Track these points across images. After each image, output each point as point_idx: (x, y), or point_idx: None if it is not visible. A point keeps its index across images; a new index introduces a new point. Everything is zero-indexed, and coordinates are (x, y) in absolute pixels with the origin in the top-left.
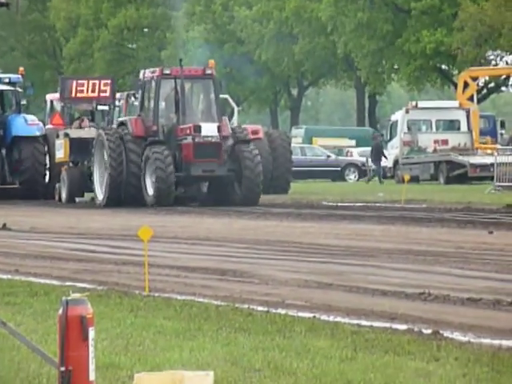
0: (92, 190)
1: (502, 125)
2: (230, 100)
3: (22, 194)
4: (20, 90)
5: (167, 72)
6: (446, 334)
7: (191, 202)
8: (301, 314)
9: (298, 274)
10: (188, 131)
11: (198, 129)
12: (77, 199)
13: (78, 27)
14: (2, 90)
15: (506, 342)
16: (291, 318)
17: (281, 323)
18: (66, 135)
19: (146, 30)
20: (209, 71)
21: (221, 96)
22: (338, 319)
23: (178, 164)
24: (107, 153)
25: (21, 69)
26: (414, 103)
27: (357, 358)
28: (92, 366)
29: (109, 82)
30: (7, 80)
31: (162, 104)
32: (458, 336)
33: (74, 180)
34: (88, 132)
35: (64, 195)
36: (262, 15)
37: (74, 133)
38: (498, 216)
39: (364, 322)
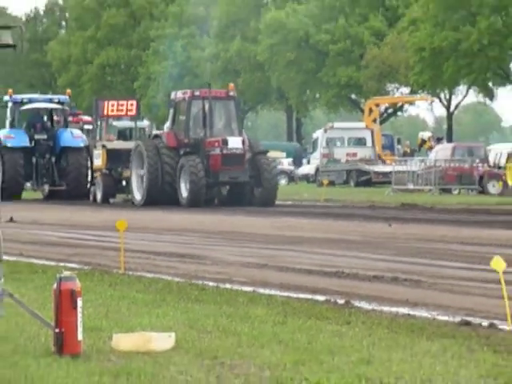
0: (122, 192)
1: (398, 141)
2: None
3: (68, 195)
4: (67, 108)
5: (197, 94)
6: (356, 303)
7: (210, 203)
8: (243, 288)
9: (242, 257)
10: (216, 144)
11: (225, 142)
12: (111, 200)
13: (69, 64)
14: (52, 109)
15: (401, 310)
16: (236, 291)
17: (227, 295)
18: (104, 146)
19: (122, 66)
20: (231, 93)
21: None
22: (272, 292)
23: (206, 171)
24: (145, 161)
25: (68, 91)
26: (331, 124)
27: (287, 322)
28: (80, 329)
29: (134, 102)
30: (57, 100)
31: (191, 120)
32: (364, 305)
33: (107, 184)
34: (121, 144)
35: (99, 196)
36: (213, 56)
37: (110, 145)
38: (395, 212)
39: (292, 295)
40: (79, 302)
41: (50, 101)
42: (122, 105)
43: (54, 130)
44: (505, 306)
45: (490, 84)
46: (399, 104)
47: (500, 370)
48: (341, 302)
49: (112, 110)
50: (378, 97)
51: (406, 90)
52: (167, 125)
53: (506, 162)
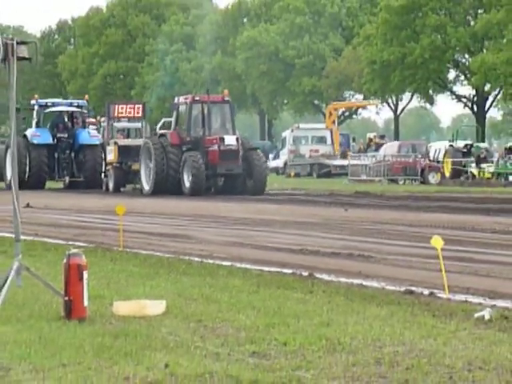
0: (131, 183)
1: (354, 140)
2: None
3: (85, 185)
4: (85, 111)
5: (197, 98)
6: (318, 275)
7: (207, 192)
8: (223, 263)
9: (222, 236)
10: (214, 141)
11: (222, 140)
12: (121, 189)
13: (76, 75)
14: (73, 111)
15: (355, 281)
16: (217, 266)
17: (210, 269)
18: (116, 143)
19: (121, 76)
20: (226, 98)
21: (168, 119)
22: (248, 266)
23: (206, 165)
24: (153, 156)
25: (86, 96)
26: (297, 125)
27: (259, 291)
28: (85, 297)
29: (141, 106)
30: (76, 104)
31: (192, 121)
32: (325, 277)
33: (118, 175)
34: (130, 141)
35: (111, 186)
36: (197, 67)
37: (121, 142)
38: (350, 199)
39: (265, 268)
40: (85, 275)
41: (71, 105)
42: (131, 108)
43: (73, 130)
44: (442, 277)
45: (431, 91)
46: (354, 108)
47: (438, 332)
48: (305, 274)
49: (122, 113)
50: (337, 102)
51: (360, 96)
52: (159, 125)
53: (444, 157)
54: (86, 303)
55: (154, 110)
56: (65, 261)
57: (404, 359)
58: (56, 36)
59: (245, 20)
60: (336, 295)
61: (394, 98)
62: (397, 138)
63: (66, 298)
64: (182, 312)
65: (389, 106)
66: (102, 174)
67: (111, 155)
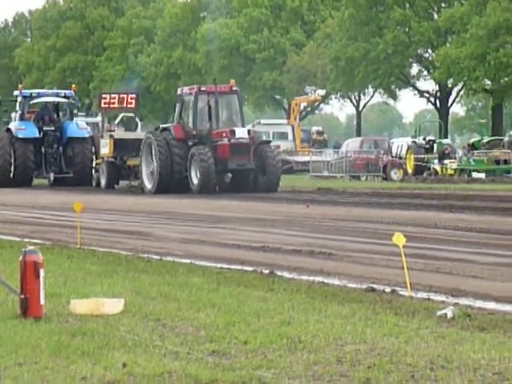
0: (125, 179)
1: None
2: (136, 117)
3: (74, 181)
4: (73, 102)
5: (203, 89)
6: (279, 273)
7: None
8: (182, 261)
9: (181, 233)
10: (224, 134)
11: (232, 132)
12: (115, 186)
13: (33, 68)
14: (59, 102)
15: (317, 278)
16: (176, 263)
17: (169, 266)
18: (111, 136)
19: (79, 70)
20: (234, 88)
21: (128, 114)
22: (208, 264)
23: (214, 160)
24: (156, 152)
25: (73, 86)
26: (258, 120)
27: (219, 289)
28: (42, 295)
29: (134, 96)
30: (63, 94)
31: (199, 113)
32: (286, 274)
33: (112, 171)
34: (127, 134)
35: (103, 183)
36: (157, 61)
37: (117, 135)
38: (312, 195)
39: (225, 265)
40: (41, 272)
41: (57, 95)
42: (123, 98)
43: (60, 122)
44: (404, 275)
45: (393, 87)
46: (316, 103)
47: (400, 330)
48: (266, 271)
49: (114, 103)
50: (298, 97)
51: (322, 91)
52: (118, 120)
53: (406, 153)
54: (42, 301)
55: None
56: (21, 258)
57: (366, 358)
58: (12, 29)
59: (205, 13)
60: (297, 293)
61: (356, 94)
62: (359, 133)
63: (22, 296)
64: (140, 310)
65: (351, 101)
66: (93, 170)
67: (106, 149)
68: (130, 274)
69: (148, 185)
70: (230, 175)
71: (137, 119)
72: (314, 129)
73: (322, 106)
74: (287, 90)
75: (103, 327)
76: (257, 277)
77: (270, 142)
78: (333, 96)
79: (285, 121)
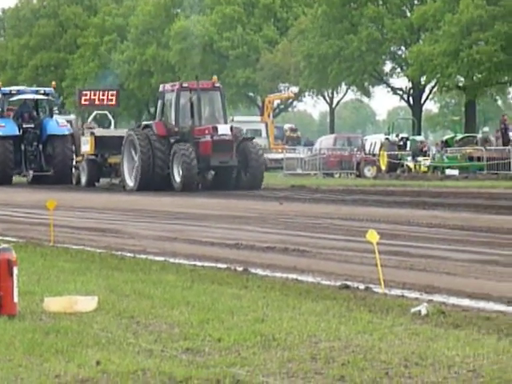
0: (106, 177)
1: (287, 131)
2: (109, 115)
3: (54, 180)
4: (52, 99)
5: (185, 85)
6: (252, 270)
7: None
8: (156, 258)
9: (154, 231)
10: (206, 131)
11: (215, 129)
12: (96, 184)
13: (6, 67)
14: (37, 99)
15: (291, 276)
16: (149, 261)
17: (142, 264)
18: (92, 134)
19: (52, 68)
20: (217, 84)
21: (101, 112)
22: (181, 261)
23: (197, 157)
24: (137, 149)
25: (53, 83)
26: (231, 118)
27: (193, 286)
28: (16, 293)
29: (115, 92)
30: (42, 91)
31: (181, 110)
32: (260, 271)
33: (92, 169)
34: (108, 132)
35: (84, 180)
36: (130, 58)
37: (99, 132)
38: (286, 193)
39: (198, 263)
40: (15, 270)
41: (37, 92)
42: (104, 95)
43: (40, 119)
44: (378, 272)
45: (367, 84)
46: (290, 100)
47: (374, 327)
48: (239, 269)
49: (93, 100)
50: (272, 94)
51: (295, 89)
52: (91, 118)
53: (379, 150)
54: (16, 299)
55: None
56: None
57: (340, 355)
58: None
59: (178, 10)
60: (271, 290)
61: (329, 91)
62: (332, 131)
63: None
64: (114, 308)
65: (324, 98)
66: (73, 168)
67: (87, 146)
68: (103, 272)
69: (130, 182)
70: (212, 172)
71: (110, 116)
72: (287, 126)
73: (295, 103)
74: (260, 88)
75: (77, 325)
76: (231, 274)
77: (253, 138)
78: (306, 93)
79: (258, 118)
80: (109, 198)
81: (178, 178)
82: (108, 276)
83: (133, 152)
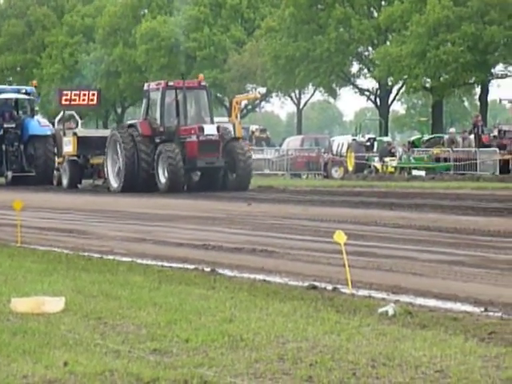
0: (88, 178)
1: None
2: (76, 115)
3: (36, 181)
4: (33, 98)
5: (171, 84)
6: (220, 271)
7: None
8: (123, 259)
9: (122, 232)
10: (192, 131)
11: (201, 129)
12: (78, 185)
13: None
14: (18, 99)
15: (258, 276)
16: (117, 262)
17: (110, 265)
18: (75, 134)
19: (18, 69)
20: (203, 83)
21: (68, 112)
22: (149, 262)
23: (183, 158)
24: (121, 149)
25: (34, 82)
26: None
27: (161, 287)
28: None
29: (96, 92)
30: (24, 91)
31: (166, 109)
32: (227, 272)
33: (74, 170)
34: (91, 132)
35: (65, 182)
36: (97, 59)
37: (81, 132)
38: (253, 193)
39: (166, 264)
40: None
41: (18, 91)
42: (85, 95)
43: (21, 119)
44: (346, 272)
45: (334, 85)
46: (257, 101)
47: (342, 327)
48: (207, 269)
49: (74, 100)
50: (239, 95)
51: (262, 89)
52: (58, 118)
53: (347, 151)
54: None
55: (52, 104)
56: None
57: (307, 355)
58: None
59: (145, 11)
60: (239, 291)
61: (296, 92)
62: (300, 132)
63: None
64: (81, 309)
65: (292, 99)
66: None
67: (69, 147)
68: (70, 273)
69: (114, 183)
70: (198, 173)
71: (77, 117)
72: (254, 127)
73: (262, 104)
74: (228, 88)
75: (44, 326)
76: (198, 275)
77: (240, 138)
78: (273, 94)
79: (226, 119)
80: (74, 198)
81: (163, 179)
82: (75, 277)
83: (117, 152)
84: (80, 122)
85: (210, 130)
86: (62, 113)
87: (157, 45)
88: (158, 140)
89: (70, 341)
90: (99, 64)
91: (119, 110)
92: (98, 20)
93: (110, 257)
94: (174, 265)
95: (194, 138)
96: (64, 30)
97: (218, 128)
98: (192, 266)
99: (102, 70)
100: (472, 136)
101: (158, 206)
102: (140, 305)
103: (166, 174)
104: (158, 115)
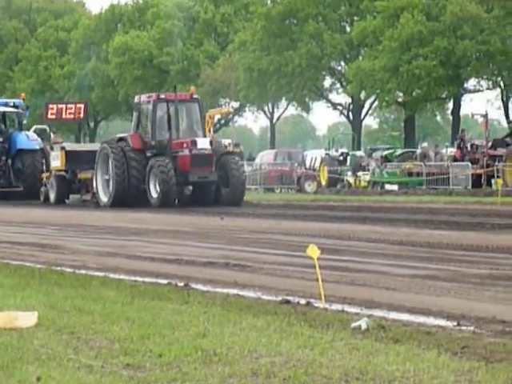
0: (76, 193)
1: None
2: (48, 129)
3: (24, 196)
4: (22, 111)
5: (162, 97)
6: (193, 285)
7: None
8: (96, 274)
9: (95, 246)
10: (185, 145)
11: (194, 143)
12: (66, 200)
13: None
14: (5, 112)
15: (232, 291)
16: (89, 276)
17: (83, 280)
18: (63, 148)
19: None
20: (195, 96)
21: (40, 126)
22: (122, 277)
23: (175, 172)
24: (112, 163)
25: (22, 94)
26: None
27: (134, 302)
28: None
29: (82, 106)
30: (12, 104)
31: (157, 122)
32: (201, 287)
33: (62, 185)
34: (80, 146)
35: (52, 197)
36: (70, 73)
37: (69, 146)
38: (227, 208)
39: (139, 279)
40: None
41: (6, 104)
42: (71, 108)
43: (8, 133)
44: (319, 287)
45: (307, 99)
46: (230, 116)
47: (315, 342)
48: (180, 284)
49: (61, 114)
50: (213, 109)
51: (235, 104)
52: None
53: (320, 165)
54: None
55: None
56: None
57: (281, 370)
58: None
59: (118, 25)
60: (212, 305)
61: (270, 106)
62: (273, 146)
63: None
64: (54, 324)
65: (265, 113)
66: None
67: (57, 162)
68: (43, 288)
69: (103, 198)
70: (190, 188)
71: (49, 131)
72: (227, 141)
73: (236, 118)
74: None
75: (17, 341)
76: (171, 289)
77: (233, 152)
78: (247, 108)
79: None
80: (46, 213)
81: (154, 194)
82: (48, 292)
83: (107, 166)
84: (52, 136)
85: (203, 143)
86: (34, 127)
87: (129, 58)
88: (149, 154)
89: (42, 356)
90: (72, 78)
91: (92, 124)
92: (71, 34)
93: (83, 271)
94: (147, 279)
95: (186, 151)
96: (38, 43)
97: (210, 142)
98: (165, 281)
99: (75, 84)
100: (450, 149)
101: (129, 220)
102: (113, 319)
103: (158, 188)
104: (149, 128)
